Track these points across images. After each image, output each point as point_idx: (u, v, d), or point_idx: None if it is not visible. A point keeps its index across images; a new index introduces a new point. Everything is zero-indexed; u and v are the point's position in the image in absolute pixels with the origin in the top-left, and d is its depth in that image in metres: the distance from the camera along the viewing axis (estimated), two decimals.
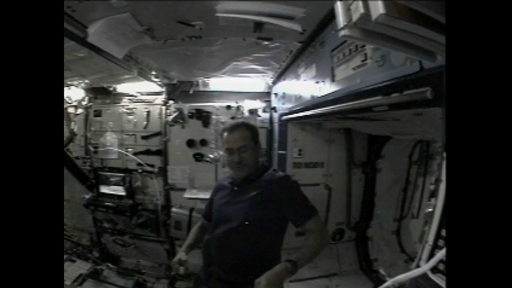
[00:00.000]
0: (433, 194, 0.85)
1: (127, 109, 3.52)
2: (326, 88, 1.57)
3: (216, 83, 3.40)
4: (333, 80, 1.48)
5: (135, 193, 3.51)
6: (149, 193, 3.55)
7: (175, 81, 3.36)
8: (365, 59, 1.16)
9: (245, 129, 1.74)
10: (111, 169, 3.53)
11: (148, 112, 3.48)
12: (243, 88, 3.41)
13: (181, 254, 1.75)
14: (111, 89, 3.47)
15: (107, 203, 3.38)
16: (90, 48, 1.70)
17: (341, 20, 0.66)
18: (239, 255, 1.62)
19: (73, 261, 3.63)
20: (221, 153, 1.89)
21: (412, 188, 2.85)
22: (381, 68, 1.05)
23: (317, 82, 1.70)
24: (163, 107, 3.46)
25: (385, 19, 0.57)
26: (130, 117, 3.51)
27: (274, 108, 3.25)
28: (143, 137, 3.48)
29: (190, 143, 3.41)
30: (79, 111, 3.61)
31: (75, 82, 3.27)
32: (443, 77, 0.71)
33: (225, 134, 1.74)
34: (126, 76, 2.74)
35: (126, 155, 3.48)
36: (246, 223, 1.61)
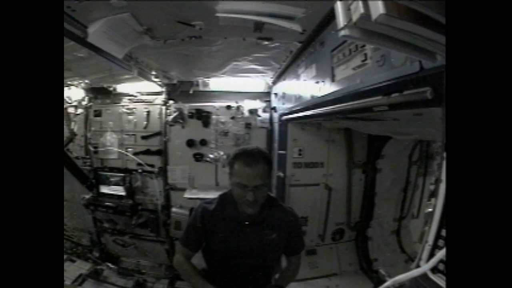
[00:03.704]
0: (433, 194, 0.85)
1: (127, 109, 3.52)
2: (326, 88, 1.57)
3: (216, 83, 3.41)
4: (333, 80, 1.48)
5: (135, 193, 3.51)
6: (149, 193, 3.56)
7: (175, 81, 3.37)
8: (365, 59, 1.16)
9: (265, 164, 1.51)
10: (111, 169, 3.53)
11: (148, 112, 3.48)
12: (243, 88, 3.42)
13: None
14: (111, 89, 3.48)
15: (107, 203, 3.38)
16: (90, 48, 1.70)
17: (341, 20, 0.66)
18: (261, 281, 1.74)
19: (73, 261, 3.63)
20: (230, 183, 1.59)
21: (412, 188, 2.85)
22: (381, 68, 1.05)
23: (317, 82, 1.70)
24: (163, 107, 3.46)
25: (385, 19, 0.57)
26: (130, 117, 3.52)
27: (274, 108, 3.25)
28: (143, 137, 3.49)
29: (190, 143, 3.42)
30: (79, 111, 3.61)
31: (75, 82, 3.28)
32: (443, 77, 0.71)
33: (242, 166, 1.49)
34: (126, 76, 2.74)
35: (126, 155, 3.49)
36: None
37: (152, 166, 3.47)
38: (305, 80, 1.96)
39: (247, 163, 1.47)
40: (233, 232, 1.63)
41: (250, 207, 1.53)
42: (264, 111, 3.42)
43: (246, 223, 1.63)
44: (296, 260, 1.82)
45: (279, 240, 1.67)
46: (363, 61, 1.18)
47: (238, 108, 3.42)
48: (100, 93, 3.56)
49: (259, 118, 3.40)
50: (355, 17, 0.61)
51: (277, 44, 1.96)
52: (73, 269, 3.48)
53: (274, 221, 1.66)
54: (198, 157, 3.43)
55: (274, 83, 3.20)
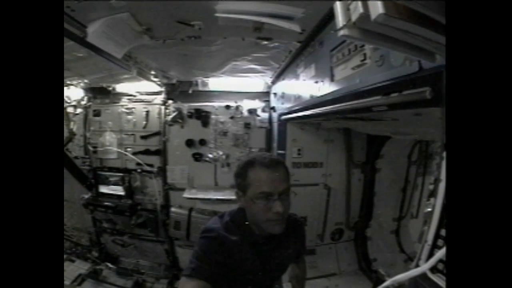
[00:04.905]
0: (433, 194, 0.85)
1: (126, 108, 3.51)
2: (325, 88, 1.57)
3: (215, 83, 3.41)
4: (332, 80, 1.48)
5: (134, 193, 3.51)
6: (148, 193, 3.55)
7: (174, 81, 3.37)
8: (364, 59, 1.17)
9: (284, 167, 1.26)
10: (110, 169, 3.52)
11: (147, 112, 3.48)
12: (242, 88, 3.42)
13: None
14: (110, 88, 3.47)
15: (106, 203, 3.38)
16: (90, 48, 1.70)
17: (340, 20, 0.66)
18: None
19: (73, 261, 3.63)
20: (246, 199, 1.25)
21: (411, 188, 2.86)
22: (380, 68, 1.06)
23: (316, 82, 1.70)
24: (162, 107, 3.46)
25: (384, 19, 0.57)
26: (129, 116, 3.51)
27: (273, 108, 3.25)
28: (142, 137, 3.48)
29: (189, 143, 3.42)
30: (79, 110, 3.61)
31: (75, 82, 3.27)
32: (443, 77, 0.71)
33: (261, 171, 1.20)
34: (126, 76, 2.74)
35: (125, 155, 3.48)
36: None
37: (151, 166, 3.47)
38: (304, 80, 1.97)
39: (267, 166, 1.20)
40: (255, 261, 1.36)
41: (278, 224, 1.22)
42: (263, 111, 3.42)
43: (268, 246, 1.37)
44: (303, 261, 1.81)
45: (294, 252, 1.53)
46: (362, 61, 1.18)
47: (237, 108, 3.42)
48: (99, 93, 3.55)
49: (258, 118, 3.40)
50: (354, 17, 0.61)
51: (276, 44, 1.96)
52: (72, 269, 3.48)
53: (290, 235, 1.45)
54: (197, 157, 3.43)
55: (273, 83, 3.20)
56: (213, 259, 1.27)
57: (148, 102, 3.50)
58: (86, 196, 3.46)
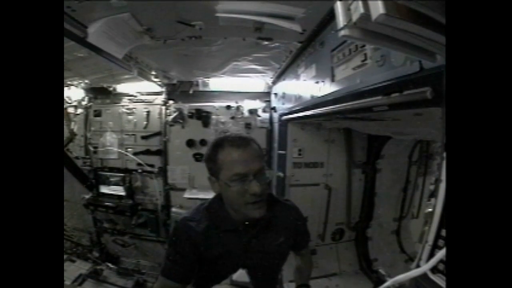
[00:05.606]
0: (433, 194, 0.85)
1: (127, 109, 3.52)
2: (326, 88, 1.57)
3: (216, 83, 3.41)
4: (333, 80, 1.48)
5: (135, 193, 3.51)
6: (149, 193, 3.56)
7: (175, 81, 3.37)
8: (365, 59, 1.16)
9: (255, 144, 1.18)
10: (111, 169, 3.53)
11: (148, 112, 3.49)
12: (243, 88, 3.42)
13: None
14: (111, 89, 3.48)
15: (107, 203, 3.39)
16: (90, 48, 1.70)
17: (341, 20, 0.66)
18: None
19: (73, 261, 3.63)
20: (220, 184, 1.17)
21: (412, 188, 2.85)
22: (381, 68, 1.05)
23: (317, 82, 1.70)
24: (163, 107, 3.47)
25: (385, 19, 0.56)
26: (130, 117, 3.52)
27: (274, 108, 3.25)
28: (143, 137, 3.49)
29: (190, 143, 3.42)
30: (79, 111, 3.62)
31: (75, 82, 3.28)
32: (443, 77, 0.71)
33: (232, 151, 1.12)
34: (126, 76, 2.74)
35: (126, 155, 3.49)
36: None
37: (152, 166, 3.47)
38: (305, 80, 1.96)
39: (237, 145, 1.12)
40: (236, 249, 1.29)
41: (257, 206, 1.14)
42: (264, 111, 3.43)
43: (249, 232, 1.28)
44: (307, 253, 1.63)
45: (287, 241, 1.39)
46: (363, 61, 1.18)
47: (238, 108, 3.42)
48: (100, 93, 3.56)
49: (259, 118, 3.41)
50: (355, 17, 0.61)
51: (277, 44, 1.96)
52: (73, 269, 3.48)
53: (279, 222, 1.34)
54: (198, 157, 3.43)
55: (274, 83, 3.20)
56: (179, 252, 1.26)
57: (149, 103, 3.51)
58: (87, 196, 3.47)
